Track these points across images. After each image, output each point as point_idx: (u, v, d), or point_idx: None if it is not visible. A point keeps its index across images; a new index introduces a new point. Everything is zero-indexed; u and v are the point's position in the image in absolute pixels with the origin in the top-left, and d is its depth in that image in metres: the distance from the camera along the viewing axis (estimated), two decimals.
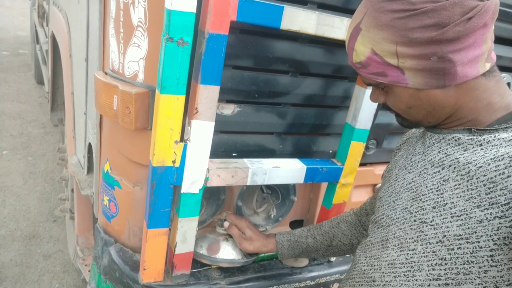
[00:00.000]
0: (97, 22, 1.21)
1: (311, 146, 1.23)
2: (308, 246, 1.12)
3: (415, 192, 0.75)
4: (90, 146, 1.42)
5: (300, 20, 0.92)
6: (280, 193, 1.33)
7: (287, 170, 1.08)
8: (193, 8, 0.82)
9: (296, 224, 1.43)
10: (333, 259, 1.29)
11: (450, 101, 0.70)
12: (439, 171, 0.72)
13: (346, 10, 1.05)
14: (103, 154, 1.25)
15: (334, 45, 1.10)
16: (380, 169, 1.39)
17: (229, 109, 1.08)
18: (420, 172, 0.76)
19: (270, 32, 1.02)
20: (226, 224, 1.17)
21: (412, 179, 0.77)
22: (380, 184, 1.40)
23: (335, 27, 0.96)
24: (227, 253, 1.12)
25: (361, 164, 1.24)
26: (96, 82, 1.09)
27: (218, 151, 1.10)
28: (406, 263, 0.72)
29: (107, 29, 1.13)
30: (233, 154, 1.13)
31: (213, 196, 1.23)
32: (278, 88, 1.10)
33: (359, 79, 1.08)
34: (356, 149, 1.13)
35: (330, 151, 1.27)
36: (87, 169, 1.51)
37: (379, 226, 0.82)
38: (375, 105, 1.10)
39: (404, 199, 0.77)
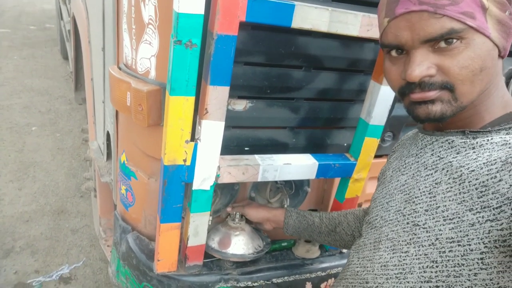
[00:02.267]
0: (111, 15, 1.21)
1: (325, 140, 1.22)
2: (313, 224, 1.13)
3: (408, 194, 0.75)
4: (108, 134, 1.46)
5: (312, 18, 0.89)
6: (294, 184, 1.33)
7: (298, 166, 1.08)
8: (201, 10, 0.80)
9: None
10: (344, 250, 1.30)
11: (492, 77, 0.65)
12: (431, 174, 0.72)
13: (361, 2, 1.01)
14: (119, 144, 1.28)
15: (348, 39, 1.07)
16: None
17: (241, 105, 1.08)
18: (413, 174, 0.76)
19: (281, 27, 0.99)
20: (229, 208, 1.20)
21: (406, 181, 0.77)
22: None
23: (349, 23, 0.93)
24: (238, 247, 1.14)
25: (377, 156, 1.23)
26: (110, 77, 1.11)
27: (231, 146, 1.11)
28: (398, 265, 0.73)
29: (120, 23, 1.14)
30: (246, 149, 1.14)
31: (227, 186, 1.25)
32: (291, 83, 1.09)
33: (375, 73, 1.05)
34: (370, 145, 1.12)
35: (345, 144, 1.25)
36: (106, 156, 1.55)
37: (372, 227, 0.82)
38: (390, 100, 1.07)
39: (397, 201, 0.77)
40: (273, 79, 1.06)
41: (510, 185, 0.58)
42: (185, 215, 1.05)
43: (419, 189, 0.72)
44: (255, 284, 1.16)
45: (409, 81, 0.64)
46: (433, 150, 0.73)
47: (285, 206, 1.34)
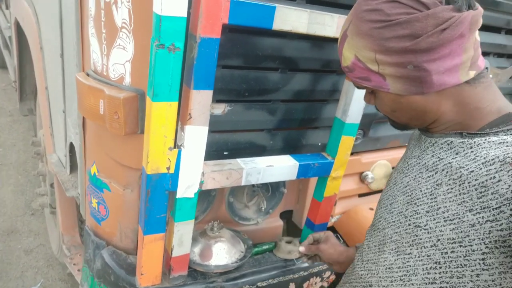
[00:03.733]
0: (73, 19, 1.14)
1: (301, 140, 1.24)
2: None
3: (410, 196, 0.76)
4: (72, 145, 1.38)
5: (292, 20, 0.90)
6: (270, 186, 1.34)
7: (280, 168, 1.08)
8: (184, 13, 0.78)
9: (286, 214, 1.45)
10: None
11: (432, 106, 0.72)
12: (432, 175, 0.73)
13: (336, 5, 1.04)
14: (88, 155, 1.21)
15: (321, 40, 1.09)
16: (366, 158, 1.42)
17: (220, 109, 1.06)
18: (415, 176, 0.78)
19: (259, 30, 0.99)
20: (301, 249, 1.08)
21: (408, 182, 0.79)
22: (368, 172, 1.43)
23: (326, 25, 0.95)
24: (220, 257, 1.12)
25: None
26: (78, 84, 1.04)
27: (210, 151, 1.09)
28: (403, 267, 0.74)
29: (85, 28, 1.08)
30: (225, 153, 1.12)
31: (204, 193, 1.22)
32: (268, 85, 1.09)
33: None
34: (347, 143, 1.15)
35: (319, 144, 1.28)
36: (69, 169, 1.46)
37: (376, 228, 0.84)
38: None
39: (400, 203, 0.79)
40: (251, 82, 1.06)
41: (509, 186, 0.60)
42: (169, 225, 1.01)
43: (421, 191, 0.74)
44: None
45: None
46: (433, 152, 0.76)
47: (262, 208, 1.34)
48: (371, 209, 1.48)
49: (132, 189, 1.11)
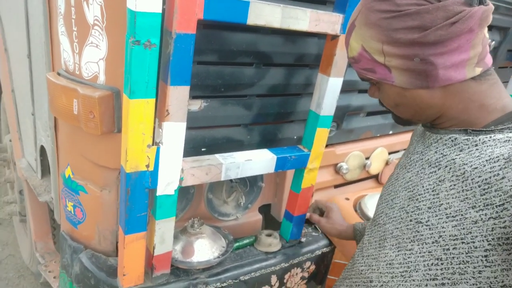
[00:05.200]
0: (40, 18, 1.11)
1: (277, 134, 1.26)
2: None
3: (412, 191, 0.76)
4: (42, 148, 1.34)
5: (265, 14, 0.92)
6: (247, 181, 1.35)
7: (259, 162, 1.09)
8: (159, 8, 0.78)
9: (264, 208, 1.47)
10: (303, 239, 1.35)
11: (437, 102, 0.72)
12: (435, 171, 0.73)
13: (309, 0, 1.06)
14: (61, 158, 1.18)
15: (294, 35, 1.12)
16: (340, 149, 1.45)
17: (196, 105, 1.06)
18: (418, 171, 0.77)
19: (232, 25, 1.00)
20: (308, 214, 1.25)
21: (410, 178, 0.79)
22: (342, 163, 1.46)
23: (300, 19, 0.96)
24: (202, 254, 1.12)
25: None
26: (49, 84, 1.02)
27: (187, 148, 1.08)
28: (404, 263, 0.74)
29: (55, 26, 1.05)
30: (202, 149, 1.13)
31: (182, 191, 1.22)
32: (243, 80, 1.10)
33: (322, 66, 1.11)
34: (322, 135, 1.17)
35: (295, 137, 1.30)
36: (41, 173, 1.42)
37: (376, 224, 0.83)
38: (338, 91, 1.13)
39: (401, 198, 0.78)
40: (226, 77, 1.07)
41: None
42: (150, 223, 1.01)
43: (423, 187, 0.74)
44: (224, 284, 1.15)
45: None
46: (437, 148, 0.75)
47: (241, 203, 1.35)
48: (347, 199, 1.52)
49: (110, 189, 1.10)
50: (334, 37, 1.05)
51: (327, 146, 1.41)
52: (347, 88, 1.31)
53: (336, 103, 1.16)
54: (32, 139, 1.41)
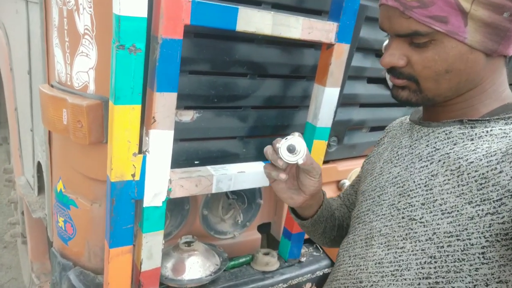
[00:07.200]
0: (38, 32, 1.13)
1: None
2: (331, 208, 0.98)
3: (402, 187, 0.72)
4: (39, 164, 1.33)
5: (255, 21, 0.90)
6: (246, 197, 1.30)
7: (252, 174, 1.06)
8: (144, 13, 0.77)
9: (264, 227, 1.41)
10: (303, 259, 1.28)
11: (483, 75, 0.65)
12: (426, 166, 0.70)
13: (301, 10, 1.05)
14: (54, 172, 1.17)
15: (290, 45, 1.10)
16: (342, 166, 1.40)
17: (188, 116, 1.04)
18: (407, 166, 0.74)
19: (226, 34, 1.00)
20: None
21: (398, 173, 0.75)
22: (345, 180, 1.41)
23: (291, 26, 0.95)
24: (194, 271, 1.07)
25: (324, 162, 1.25)
26: (41, 96, 1.02)
27: (179, 160, 1.06)
28: (394, 262, 0.70)
29: (50, 38, 1.06)
30: (195, 162, 1.10)
31: (177, 207, 1.18)
32: (237, 91, 1.08)
33: (318, 77, 1.08)
34: (319, 147, 1.13)
35: None
36: (37, 190, 1.40)
37: (361, 221, 0.79)
38: (335, 102, 1.10)
39: (390, 194, 0.74)
40: (220, 88, 1.05)
41: (511, 177, 0.57)
42: (137, 237, 0.97)
43: (414, 182, 0.70)
44: None
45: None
46: (428, 141, 0.71)
47: (239, 221, 1.30)
48: None
49: (100, 203, 1.07)
50: (329, 46, 1.03)
51: (329, 162, 1.37)
52: (348, 101, 1.28)
53: (334, 115, 1.13)
54: (31, 155, 1.41)
